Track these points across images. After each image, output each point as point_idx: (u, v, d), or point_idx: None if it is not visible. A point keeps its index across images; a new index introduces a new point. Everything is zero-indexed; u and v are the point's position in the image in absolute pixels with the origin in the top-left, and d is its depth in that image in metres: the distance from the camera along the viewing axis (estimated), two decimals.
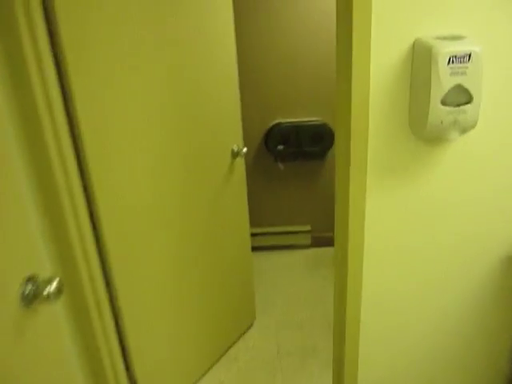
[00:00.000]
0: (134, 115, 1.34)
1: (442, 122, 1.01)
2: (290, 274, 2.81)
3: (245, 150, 1.84)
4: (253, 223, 3.05)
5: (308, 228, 3.05)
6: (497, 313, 1.35)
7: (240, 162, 1.93)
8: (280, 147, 2.72)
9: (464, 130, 1.04)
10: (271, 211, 3.04)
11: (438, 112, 1.00)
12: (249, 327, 2.31)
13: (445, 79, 0.97)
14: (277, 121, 2.74)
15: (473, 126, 1.04)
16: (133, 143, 1.36)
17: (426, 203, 1.20)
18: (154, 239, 1.50)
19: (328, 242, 3.13)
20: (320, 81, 2.68)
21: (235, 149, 1.84)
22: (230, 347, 2.17)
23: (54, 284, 0.93)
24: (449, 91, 0.98)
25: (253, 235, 3.01)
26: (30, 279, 0.93)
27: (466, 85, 0.98)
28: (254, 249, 3.07)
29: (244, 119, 2.74)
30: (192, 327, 1.81)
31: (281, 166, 2.84)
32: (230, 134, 1.83)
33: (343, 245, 1.29)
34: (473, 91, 0.99)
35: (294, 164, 2.89)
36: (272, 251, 3.09)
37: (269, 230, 3.05)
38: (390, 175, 1.17)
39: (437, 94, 0.98)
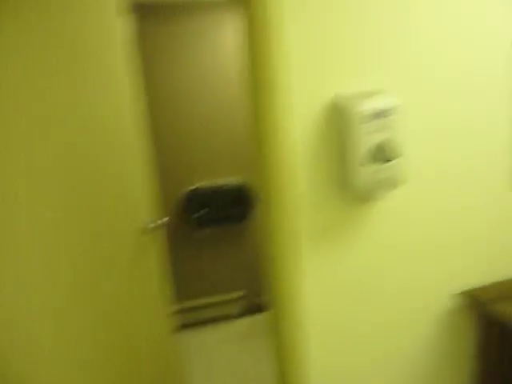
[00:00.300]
0: (20, 203, 1.10)
1: (368, 182, 0.94)
2: (226, 351, 2.55)
3: (161, 221, 1.65)
4: (182, 297, 2.78)
5: (241, 293, 2.85)
6: (445, 359, 1.27)
7: (155, 238, 1.72)
8: (200, 213, 2.56)
9: (394, 186, 0.98)
10: (201, 281, 2.80)
11: (364, 171, 0.93)
12: None
13: (366, 137, 0.91)
14: (195, 185, 2.60)
15: (403, 181, 0.99)
16: (19, 234, 1.10)
17: (362, 261, 1.10)
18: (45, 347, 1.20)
19: (261, 308, 2.94)
20: (237, 139, 2.63)
21: (148, 225, 1.64)
22: None
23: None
24: (375, 148, 0.92)
25: (183, 311, 2.73)
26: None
27: (391, 140, 0.93)
28: (186, 326, 2.78)
29: (163, 185, 2.58)
30: None
31: (204, 231, 2.66)
32: (139, 210, 1.63)
33: (280, 317, 1.13)
34: (398, 145, 0.94)
35: (218, 229, 2.73)
36: (206, 326, 2.81)
37: (201, 302, 2.79)
38: (323, 238, 1.06)
39: (359, 153, 0.92)
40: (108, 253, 1.46)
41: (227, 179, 2.65)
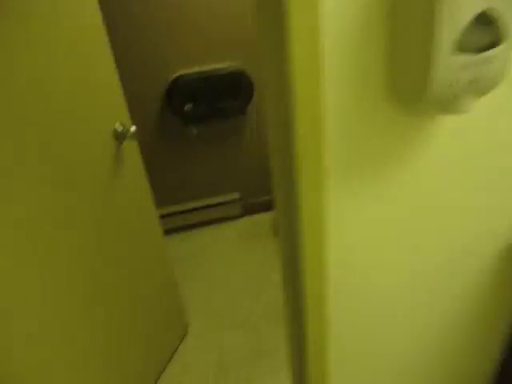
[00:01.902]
0: None
1: (450, 82, 0.56)
2: (223, 255, 2.39)
3: (133, 128, 1.28)
4: (171, 200, 2.53)
5: (236, 196, 2.60)
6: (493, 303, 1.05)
7: (130, 146, 1.37)
8: (188, 107, 2.15)
9: (483, 92, 0.61)
10: (191, 183, 2.52)
11: (450, 65, 0.54)
12: (182, 339, 1.89)
13: (466, 4, 0.50)
14: (178, 73, 2.13)
15: (495, 85, 0.61)
16: None
17: (414, 200, 0.78)
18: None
19: (261, 208, 2.72)
20: (230, 14, 2.09)
21: (119, 129, 1.27)
22: (162, 371, 1.75)
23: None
24: (468, 27, 0.52)
25: (174, 214, 2.51)
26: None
27: (497, 11, 0.52)
28: (176, 230, 2.59)
29: (135, 78, 2.13)
30: (108, 356, 1.34)
31: (193, 129, 2.28)
32: (108, 112, 1.25)
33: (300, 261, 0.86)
34: (506, 23, 0.54)
35: (210, 124, 2.35)
36: (200, 229, 2.63)
37: (192, 205, 2.55)
38: (360, 170, 0.72)
39: (449, 32, 0.52)
40: (80, 166, 1.14)
41: (219, 65, 2.18)
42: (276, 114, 0.74)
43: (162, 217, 2.49)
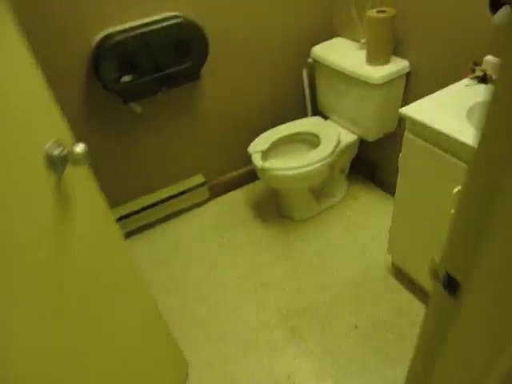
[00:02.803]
0: None
1: None
2: (199, 252, 1.97)
3: (80, 148, 0.76)
4: (127, 197, 2.01)
5: (201, 179, 2.13)
6: None
7: (77, 173, 0.85)
8: (125, 78, 1.58)
9: None
10: (144, 174, 2.00)
11: None
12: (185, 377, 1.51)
13: None
14: (104, 32, 1.53)
15: None
16: None
17: None
18: None
19: (230, 187, 2.29)
20: None
21: (53, 151, 0.75)
22: None
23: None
24: None
25: (133, 213, 2.00)
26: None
27: None
28: (139, 230, 2.09)
29: (48, 48, 1.49)
30: None
31: (136, 107, 1.72)
32: (32, 128, 0.71)
33: None
34: None
35: (157, 97, 1.80)
36: (166, 223, 2.15)
37: (151, 198, 2.04)
38: None
39: None
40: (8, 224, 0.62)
41: (160, 15, 1.60)
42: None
43: (121, 218, 1.96)
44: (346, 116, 1.91)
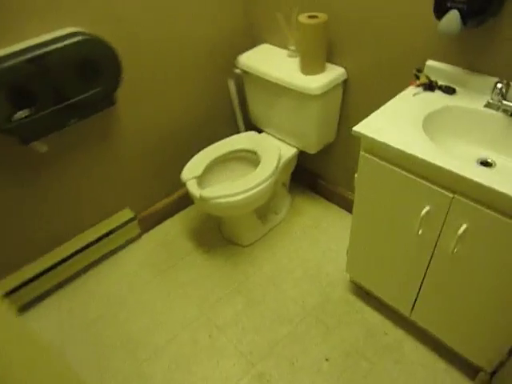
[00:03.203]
0: None
1: None
2: (138, 300, 1.71)
3: None
4: (39, 252, 1.68)
5: (129, 214, 1.86)
6: None
7: None
8: (21, 114, 1.27)
9: None
10: (60, 220, 1.67)
11: None
12: None
13: None
14: None
15: None
16: None
17: None
18: None
19: (162, 216, 2.05)
20: None
21: None
22: None
23: None
24: None
25: (51, 268, 1.68)
26: None
27: None
28: (63, 283, 1.75)
29: None
30: None
31: (40, 146, 1.41)
32: None
33: None
34: None
35: (66, 131, 1.50)
36: (94, 270, 1.84)
37: (69, 248, 1.73)
38: None
39: None
40: None
41: (57, 33, 1.30)
42: None
43: (33, 278, 1.62)
44: (283, 129, 1.78)
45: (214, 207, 1.60)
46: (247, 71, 1.72)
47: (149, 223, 1.99)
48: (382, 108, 1.20)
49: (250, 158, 1.84)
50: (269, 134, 1.90)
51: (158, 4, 1.52)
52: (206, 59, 1.79)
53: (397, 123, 1.13)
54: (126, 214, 1.85)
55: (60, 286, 1.78)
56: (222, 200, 1.57)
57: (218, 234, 1.95)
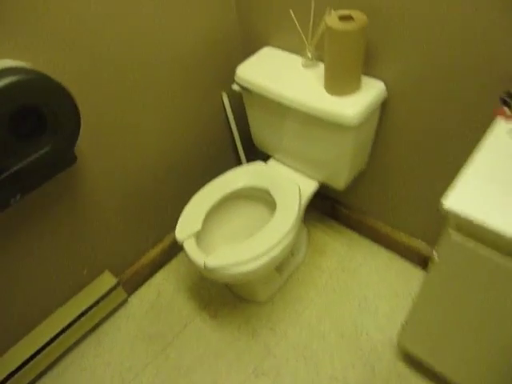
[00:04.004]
0: None
1: None
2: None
3: None
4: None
5: (110, 280, 1.45)
6: None
7: None
8: None
9: None
10: (31, 299, 1.26)
11: None
12: None
13: None
14: None
15: None
16: None
17: None
18: None
19: (150, 272, 1.65)
20: None
21: None
22: None
23: None
24: None
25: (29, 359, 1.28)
26: None
27: None
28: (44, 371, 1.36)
29: None
30: None
31: None
32: None
33: None
34: None
35: (21, 198, 1.06)
36: (76, 351, 1.45)
37: (43, 334, 1.33)
38: None
39: None
40: None
41: None
42: None
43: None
44: (301, 158, 1.38)
45: (223, 277, 1.22)
46: (248, 88, 1.29)
47: (136, 282, 1.59)
48: (473, 164, 0.82)
49: (260, 197, 1.44)
50: (279, 161, 1.49)
51: (124, 9, 1.06)
52: (191, 74, 1.35)
53: (504, 189, 0.76)
54: (107, 279, 1.45)
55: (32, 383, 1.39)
56: (234, 270, 1.18)
57: (224, 288, 1.58)
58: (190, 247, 1.25)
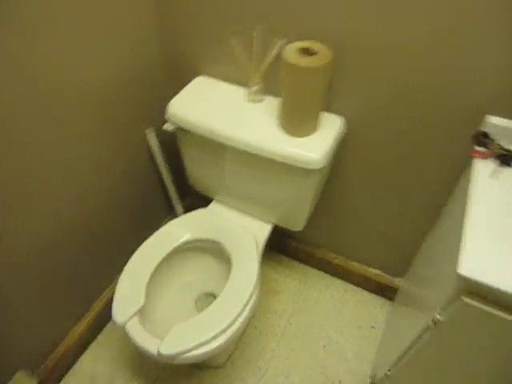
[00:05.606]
0: None
1: None
2: None
3: None
4: None
5: (26, 380, 1.12)
6: None
7: None
8: None
9: None
10: None
11: None
12: None
13: None
14: None
15: None
16: None
17: None
18: None
19: (75, 354, 1.35)
20: None
21: None
22: None
23: None
24: None
25: None
26: None
27: None
28: None
29: None
30: None
31: None
32: None
33: None
34: None
35: None
36: None
37: None
38: None
39: None
40: None
41: None
42: None
43: None
44: (252, 201, 1.21)
45: (184, 361, 1.00)
46: (185, 128, 1.08)
47: (58, 372, 1.27)
48: (471, 219, 0.74)
49: (207, 248, 1.24)
50: (221, 203, 1.31)
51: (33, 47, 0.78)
52: (103, 115, 1.09)
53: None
54: (22, 382, 1.12)
55: None
56: (196, 352, 0.98)
57: None
58: (136, 331, 1.00)
